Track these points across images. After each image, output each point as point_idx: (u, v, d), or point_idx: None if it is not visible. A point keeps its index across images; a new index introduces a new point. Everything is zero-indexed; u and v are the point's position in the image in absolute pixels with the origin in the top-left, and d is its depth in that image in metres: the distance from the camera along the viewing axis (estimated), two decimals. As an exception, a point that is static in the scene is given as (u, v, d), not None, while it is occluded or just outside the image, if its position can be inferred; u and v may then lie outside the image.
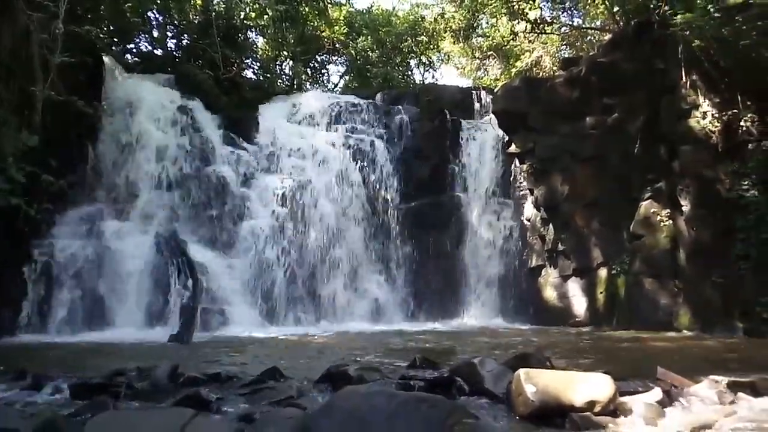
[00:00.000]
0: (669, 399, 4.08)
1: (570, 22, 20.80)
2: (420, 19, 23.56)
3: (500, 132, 15.57)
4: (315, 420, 3.23)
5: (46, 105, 10.55)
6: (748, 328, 9.82)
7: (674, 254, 11.36)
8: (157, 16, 18.11)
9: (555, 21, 20.21)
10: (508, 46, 21.96)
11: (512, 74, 21.28)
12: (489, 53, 23.42)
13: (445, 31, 22.51)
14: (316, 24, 22.09)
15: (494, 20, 21.15)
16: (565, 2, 19.74)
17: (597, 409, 3.62)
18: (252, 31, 20.93)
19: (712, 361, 6.91)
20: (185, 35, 18.22)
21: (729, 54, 10.24)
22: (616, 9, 14.98)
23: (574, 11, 20.62)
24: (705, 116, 11.04)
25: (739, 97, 10.64)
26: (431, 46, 24.23)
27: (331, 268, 13.57)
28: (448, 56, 25.49)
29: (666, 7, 11.62)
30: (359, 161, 15.16)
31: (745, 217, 10.27)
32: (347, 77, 24.48)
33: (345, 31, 22.89)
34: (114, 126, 12.72)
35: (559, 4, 19.84)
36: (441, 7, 22.65)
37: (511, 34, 20.39)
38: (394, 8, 24.72)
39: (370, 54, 23.26)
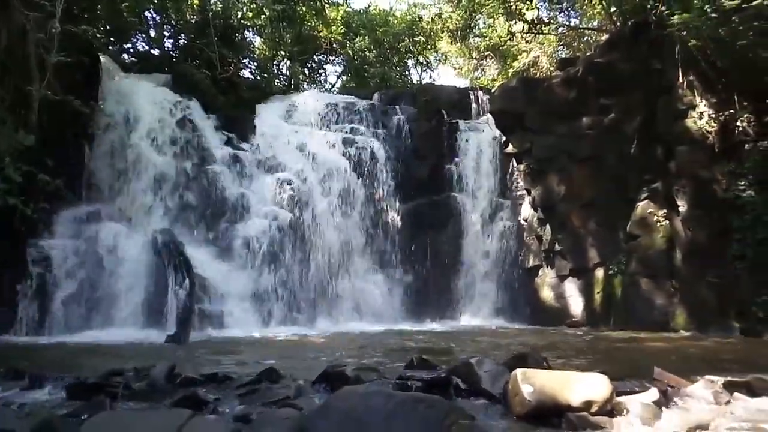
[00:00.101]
0: (665, 399, 4.09)
1: (567, 23, 20.83)
2: (417, 19, 23.58)
3: (497, 132, 15.59)
4: (312, 420, 3.23)
5: (43, 104, 10.52)
6: (744, 328, 9.86)
7: (671, 254, 11.39)
8: (154, 15, 18.10)
9: (552, 21, 20.24)
10: (505, 47, 21.99)
11: (509, 74, 21.32)
12: (486, 53, 23.45)
13: (443, 31, 22.54)
14: (313, 24, 22.09)
15: (491, 20, 21.17)
16: (562, 2, 19.77)
17: (594, 409, 3.62)
18: (249, 31, 20.93)
19: (708, 361, 6.93)
20: (182, 35, 18.19)
21: (726, 54, 10.26)
22: (613, 9, 15.01)
23: (571, 11, 20.66)
24: (702, 116, 11.07)
25: (735, 98, 10.66)
26: (428, 46, 24.25)
27: (329, 269, 13.57)
28: (446, 56, 25.52)
29: (663, 8, 11.64)
30: (356, 161, 15.16)
31: (742, 218, 10.31)
32: (344, 77, 24.49)
33: (342, 31, 22.90)
34: (111, 126, 12.68)
35: (556, 4, 19.87)
36: (438, 7, 22.67)
37: (508, 35, 20.41)
38: (391, 8, 24.79)
39: (368, 54, 23.27)
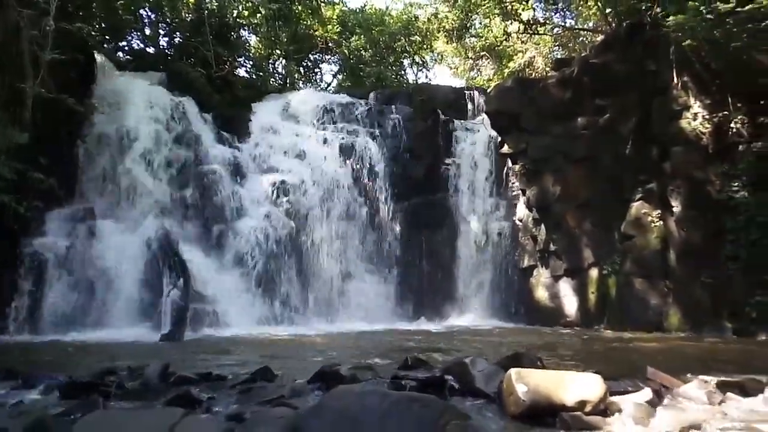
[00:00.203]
0: (659, 399, 4.10)
1: (562, 23, 20.88)
2: (413, 19, 23.59)
3: (493, 132, 15.61)
4: (306, 420, 3.22)
5: (36, 102, 10.48)
6: (737, 328, 9.91)
7: (665, 255, 11.43)
8: (150, 13, 18.06)
9: (548, 22, 20.28)
10: (501, 47, 22.02)
11: (505, 75, 21.34)
12: (482, 53, 23.47)
13: (439, 31, 22.56)
14: (309, 23, 22.07)
15: (487, 21, 21.20)
16: (558, 3, 19.80)
17: (587, 408, 3.63)
18: (245, 30, 20.91)
19: (702, 361, 6.96)
20: (178, 33, 18.16)
21: (720, 56, 10.31)
22: (608, 10, 15.05)
23: (567, 12, 20.71)
24: (696, 118, 11.11)
25: (729, 99, 10.71)
26: (424, 46, 24.27)
27: (324, 268, 13.56)
28: (442, 56, 25.54)
29: (658, 9, 11.68)
30: (352, 160, 15.16)
31: (735, 219, 10.35)
32: (340, 76, 24.48)
33: (338, 30, 22.89)
34: (105, 124, 12.64)
35: (551, 5, 19.91)
36: (434, 7, 22.71)
37: (504, 35, 20.45)
38: (387, 7, 24.79)
39: (364, 53, 23.27)
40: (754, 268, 9.92)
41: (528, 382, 3.70)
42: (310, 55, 23.59)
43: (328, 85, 24.13)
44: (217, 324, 10.91)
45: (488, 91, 17.38)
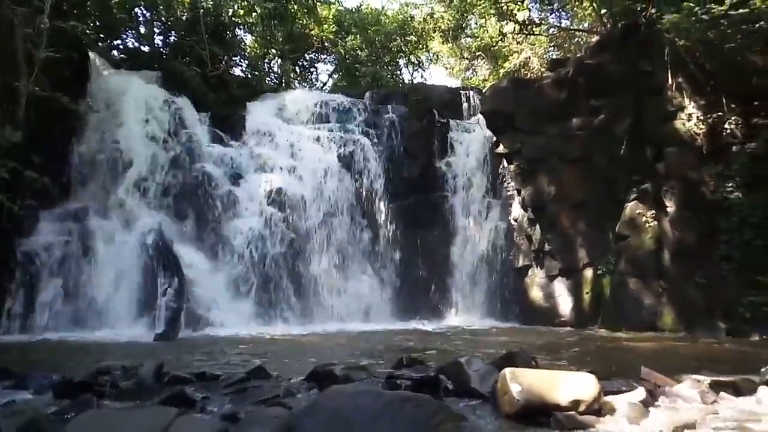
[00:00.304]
0: (652, 398, 4.12)
1: (558, 24, 20.92)
2: (409, 19, 23.59)
3: (488, 132, 15.61)
4: (300, 419, 3.22)
5: (30, 100, 10.45)
6: (731, 328, 9.94)
7: (659, 255, 11.46)
8: (145, 12, 17.99)
9: (543, 22, 20.30)
10: (496, 47, 22.05)
11: (500, 75, 21.38)
12: (477, 54, 23.50)
13: (434, 31, 22.56)
14: (304, 22, 22.05)
15: (483, 21, 21.23)
16: (553, 4, 19.84)
17: (581, 408, 3.64)
18: (240, 29, 20.86)
19: (695, 361, 6.99)
20: (173, 32, 18.11)
21: (714, 57, 10.34)
22: (603, 11, 15.08)
23: (562, 13, 20.74)
24: (690, 118, 11.15)
25: (724, 100, 10.74)
26: (420, 46, 24.27)
27: (319, 268, 13.55)
28: (437, 56, 25.55)
29: (653, 10, 11.71)
30: (347, 160, 15.15)
31: (729, 219, 10.39)
32: (336, 76, 24.46)
33: (334, 29, 22.87)
34: (99, 123, 12.60)
35: (547, 5, 19.93)
36: (430, 7, 22.70)
37: (499, 35, 20.48)
38: (383, 7, 24.81)
39: (359, 53, 23.26)
40: (747, 269, 9.95)
41: (522, 382, 3.71)
42: (305, 55, 23.56)
43: (324, 84, 24.14)
44: (212, 324, 10.90)
45: (483, 91, 17.39)
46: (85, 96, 12.30)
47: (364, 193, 15.09)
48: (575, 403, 3.64)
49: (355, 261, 14.42)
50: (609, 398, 3.88)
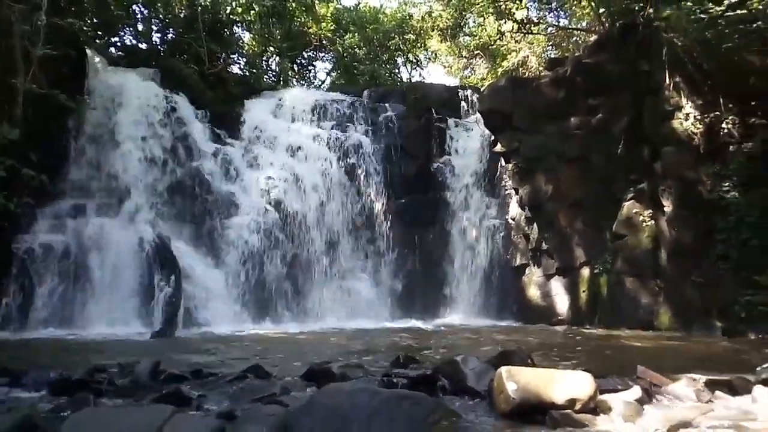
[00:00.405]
0: (648, 397, 4.13)
1: (556, 23, 20.89)
2: (407, 17, 23.56)
3: (486, 131, 15.61)
4: (296, 417, 3.22)
5: (28, 98, 10.42)
6: (727, 327, 9.96)
7: (656, 254, 11.48)
8: (142, 9, 17.94)
9: (541, 21, 20.28)
10: (494, 46, 22.02)
11: (499, 74, 21.34)
12: (476, 52, 23.47)
13: (433, 30, 22.53)
14: (303, 20, 22.01)
15: (481, 19, 21.18)
16: (552, 3, 19.83)
17: (577, 406, 3.65)
18: (238, 26, 20.79)
19: (691, 360, 7.01)
20: (170, 29, 18.05)
21: (712, 57, 10.35)
22: (601, 10, 15.08)
23: (561, 12, 20.73)
24: (687, 118, 11.16)
25: (721, 100, 10.75)
26: (418, 45, 24.24)
27: (317, 266, 13.56)
28: (436, 55, 25.52)
29: (650, 9, 11.72)
30: (345, 158, 15.15)
31: (726, 219, 10.40)
32: (334, 74, 24.42)
33: (332, 27, 22.84)
34: (97, 120, 12.58)
35: (545, 4, 19.93)
36: (428, 6, 22.66)
37: (497, 34, 20.42)
38: (381, 5, 24.82)
39: (357, 51, 23.23)
40: (744, 268, 9.97)
41: (518, 380, 3.71)
42: (303, 53, 23.52)
43: (322, 82, 24.10)
44: (209, 322, 10.90)
45: (482, 90, 17.38)
46: (82, 93, 12.27)
47: (361, 191, 15.08)
48: (571, 402, 3.64)
49: (353, 259, 14.42)
50: (605, 397, 3.89)
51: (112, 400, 4.10)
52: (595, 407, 3.74)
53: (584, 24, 19.66)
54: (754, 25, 9.29)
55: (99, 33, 16.12)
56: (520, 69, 20.85)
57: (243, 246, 12.41)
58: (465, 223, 15.31)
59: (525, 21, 18.74)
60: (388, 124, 16.19)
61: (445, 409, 3.49)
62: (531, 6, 19.54)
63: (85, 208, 11.58)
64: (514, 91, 14.46)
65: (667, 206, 11.27)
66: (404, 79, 24.34)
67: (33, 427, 3.25)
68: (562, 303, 13.09)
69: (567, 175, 13.24)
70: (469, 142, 16.12)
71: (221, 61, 17.42)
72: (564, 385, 3.72)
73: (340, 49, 23.00)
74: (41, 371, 4.78)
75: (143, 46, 17.72)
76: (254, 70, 20.72)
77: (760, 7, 9.08)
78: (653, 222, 11.63)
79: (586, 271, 12.78)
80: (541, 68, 18.96)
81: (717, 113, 10.78)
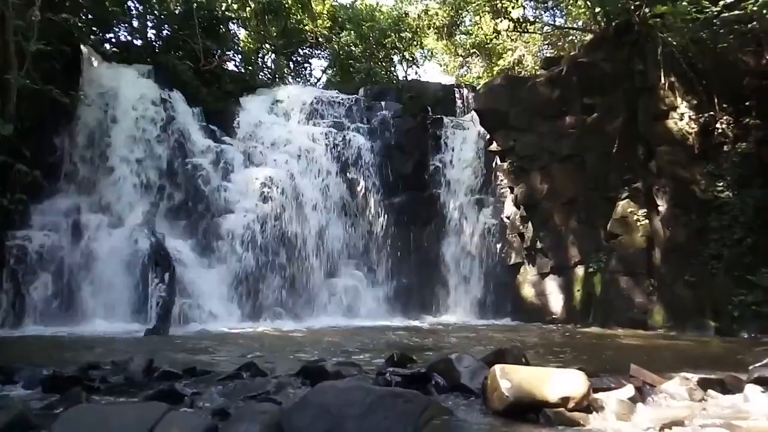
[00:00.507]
0: (641, 395, 4.14)
1: (552, 22, 20.94)
2: (404, 15, 23.55)
3: (482, 130, 15.64)
4: (290, 415, 3.22)
5: (21, 93, 10.37)
6: (720, 326, 10.01)
7: (650, 253, 11.53)
8: (137, 5, 17.85)
9: (537, 20, 20.32)
10: (490, 45, 22.05)
11: (494, 72, 21.38)
12: (472, 51, 23.52)
13: (429, 28, 22.55)
14: (299, 17, 21.98)
15: (477, 18, 21.22)
16: (548, 2, 19.86)
17: (570, 405, 3.65)
18: (234, 23, 20.75)
19: (684, 359, 7.03)
20: (166, 26, 17.97)
21: (707, 57, 10.39)
22: (597, 10, 15.10)
23: (557, 11, 20.77)
24: (682, 118, 11.20)
25: (715, 100, 10.79)
26: (414, 43, 24.24)
27: (311, 264, 13.54)
28: (432, 53, 25.55)
29: (646, 9, 11.74)
30: (340, 156, 15.14)
31: (719, 218, 10.45)
32: (330, 72, 24.41)
33: (328, 25, 22.82)
34: (91, 116, 12.52)
35: (541, 3, 19.95)
36: (425, 4, 22.70)
37: (494, 33, 20.46)
38: (377, 3, 24.68)
39: (353, 49, 23.20)
40: (737, 267, 10.03)
41: (512, 379, 3.71)
42: (299, 50, 23.48)
43: (318, 80, 24.09)
44: (203, 319, 10.87)
45: (477, 88, 17.41)
46: (76, 89, 12.21)
47: (357, 189, 15.07)
48: (564, 400, 3.65)
49: (348, 258, 14.42)
50: (598, 395, 3.90)
51: (105, 397, 4.09)
52: (588, 406, 3.75)
53: (580, 23, 19.71)
54: (749, 25, 9.33)
55: (93, 29, 16.03)
56: (516, 68, 20.90)
57: (237, 244, 12.37)
58: (460, 222, 15.32)
59: (521, 20, 18.77)
60: (383, 122, 16.19)
61: (438, 407, 3.49)
62: (527, 5, 19.57)
63: (79, 205, 11.54)
64: (510, 90, 14.49)
65: (662, 205, 11.31)
66: (400, 77, 24.34)
67: (25, 424, 3.24)
68: (556, 302, 13.13)
69: (562, 174, 13.28)
70: (464, 140, 16.14)
71: (216, 57, 17.36)
72: (557, 383, 3.72)
73: (336, 46, 22.98)
74: (34, 368, 4.75)
75: (138, 42, 17.64)
76: (250, 67, 20.70)
77: (755, 8, 9.10)
78: (647, 221, 11.67)
79: (580, 270, 12.82)
80: (536, 67, 19.01)
81: (711, 113, 10.82)
